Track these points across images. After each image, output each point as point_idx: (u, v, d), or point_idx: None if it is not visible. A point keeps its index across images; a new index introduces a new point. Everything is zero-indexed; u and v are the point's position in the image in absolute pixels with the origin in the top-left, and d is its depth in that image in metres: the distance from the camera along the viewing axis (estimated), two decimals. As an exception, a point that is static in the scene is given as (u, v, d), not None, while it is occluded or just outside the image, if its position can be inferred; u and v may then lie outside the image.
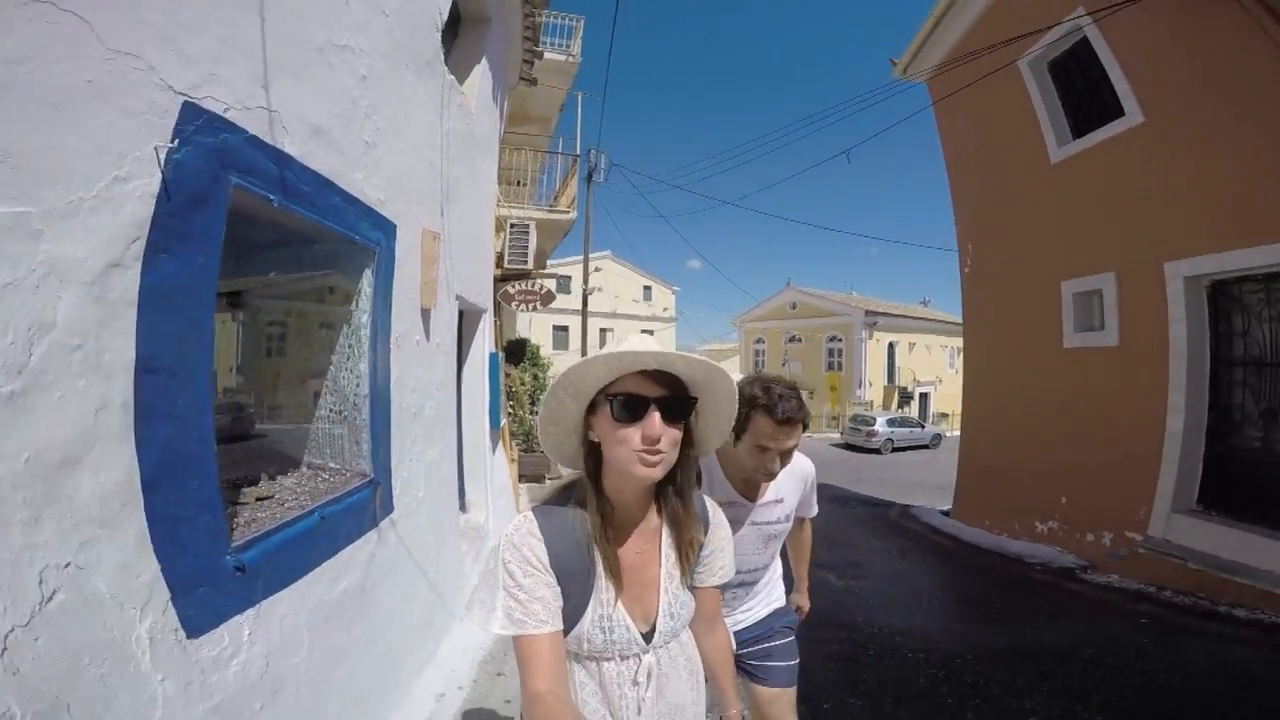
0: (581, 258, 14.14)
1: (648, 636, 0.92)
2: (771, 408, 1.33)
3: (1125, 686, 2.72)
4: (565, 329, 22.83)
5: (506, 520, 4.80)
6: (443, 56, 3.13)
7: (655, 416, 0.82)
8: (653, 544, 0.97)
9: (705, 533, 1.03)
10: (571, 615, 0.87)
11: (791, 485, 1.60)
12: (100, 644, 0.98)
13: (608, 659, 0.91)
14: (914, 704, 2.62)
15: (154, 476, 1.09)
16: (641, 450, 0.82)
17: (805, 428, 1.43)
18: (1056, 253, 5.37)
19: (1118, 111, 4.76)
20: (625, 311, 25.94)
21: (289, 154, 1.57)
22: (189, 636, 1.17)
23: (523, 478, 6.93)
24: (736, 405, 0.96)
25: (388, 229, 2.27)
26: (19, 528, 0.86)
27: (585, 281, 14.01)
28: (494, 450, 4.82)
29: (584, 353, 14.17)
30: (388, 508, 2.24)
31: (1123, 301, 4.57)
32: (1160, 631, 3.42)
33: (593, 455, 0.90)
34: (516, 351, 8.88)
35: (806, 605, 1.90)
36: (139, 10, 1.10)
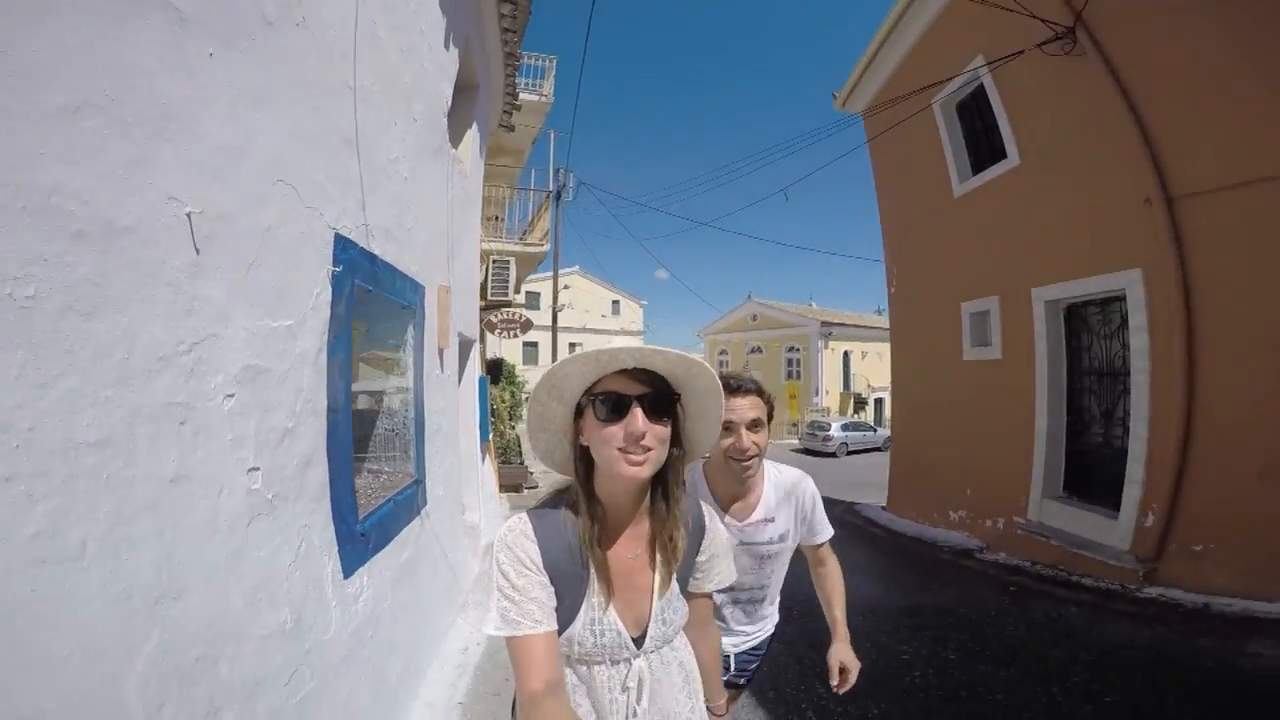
0: (551, 274, 14.80)
1: (639, 641, 0.93)
2: (723, 382, 1.32)
3: (980, 635, 3.59)
4: (535, 345, 23.32)
5: (495, 521, 5.48)
6: (448, 136, 3.88)
7: (638, 413, 0.84)
8: (645, 549, 0.97)
9: (702, 537, 1.04)
10: (564, 617, 0.89)
11: (782, 502, 1.51)
12: (315, 579, 1.69)
13: (598, 663, 0.92)
14: (820, 649, 3.46)
15: (331, 475, 1.80)
16: (626, 448, 0.85)
17: (769, 406, 1.43)
18: (958, 278, 6.41)
19: (1003, 154, 5.73)
20: (594, 326, 26.70)
21: (375, 254, 2.29)
22: (343, 578, 1.88)
23: (502, 487, 7.58)
24: (722, 401, 0.97)
25: (420, 291, 2.99)
26: (291, 503, 1.57)
27: (555, 299, 14.68)
28: (483, 460, 5.50)
29: (554, 368, 14.82)
30: (424, 501, 2.94)
31: (1004, 321, 5.62)
32: (1020, 595, 4.36)
33: (583, 459, 0.93)
34: (494, 371, 9.51)
35: (854, 663, 1.48)
36: (314, 172, 1.81)
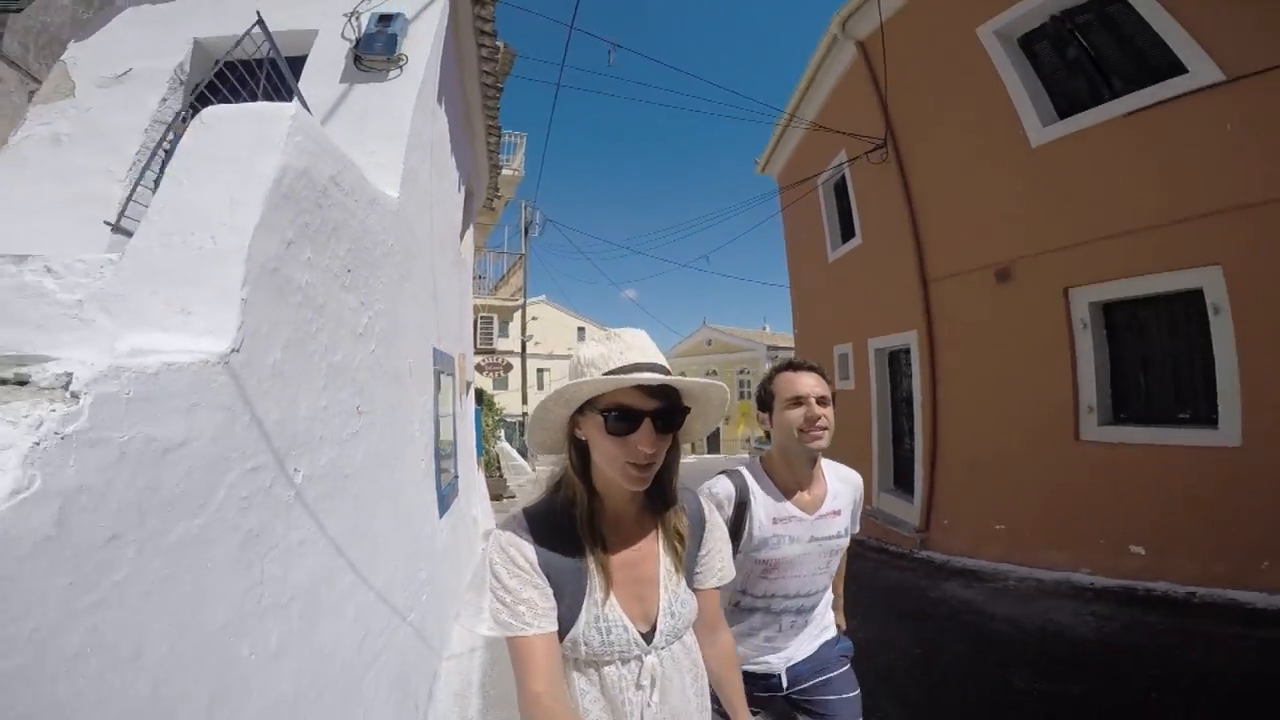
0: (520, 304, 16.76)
1: (648, 637, 0.92)
2: (790, 362, 1.45)
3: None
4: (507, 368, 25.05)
5: (489, 516, 7.36)
6: (459, 248, 5.89)
7: (649, 431, 0.84)
8: (650, 540, 0.97)
9: (703, 532, 1.05)
10: (566, 617, 0.88)
11: (846, 494, 1.54)
12: (431, 515, 3.65)
13: (608, 662, 0.90)
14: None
15: (433, 460, 3.78)
16: (632, 464, 0.84)
17: (833, 389, 1.45)
18: (831, 326, 8.72)
19: (855, 232, 8.10)
20: (561, 353, 28.58)
21: (442, 350, 4.29)
22: (438, 518, 3.83)
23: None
24: (726, 409, 0.97)
25: (453, 359, 4.97)
26: (427, 476, 3.55)
27: (524, 330, 16.62)
28: (478, 470, 7.43)
29: (523, 393, 16.69)
30: (456, 491, 4.88)
31: (855, 361, 7.92)
32: (852, 561, 6.49)
33: (579, 451, 0.92)
34: (477, 400, 11.42)
35: (842, 623, 1.75)
36: (425, 321, 3.81)
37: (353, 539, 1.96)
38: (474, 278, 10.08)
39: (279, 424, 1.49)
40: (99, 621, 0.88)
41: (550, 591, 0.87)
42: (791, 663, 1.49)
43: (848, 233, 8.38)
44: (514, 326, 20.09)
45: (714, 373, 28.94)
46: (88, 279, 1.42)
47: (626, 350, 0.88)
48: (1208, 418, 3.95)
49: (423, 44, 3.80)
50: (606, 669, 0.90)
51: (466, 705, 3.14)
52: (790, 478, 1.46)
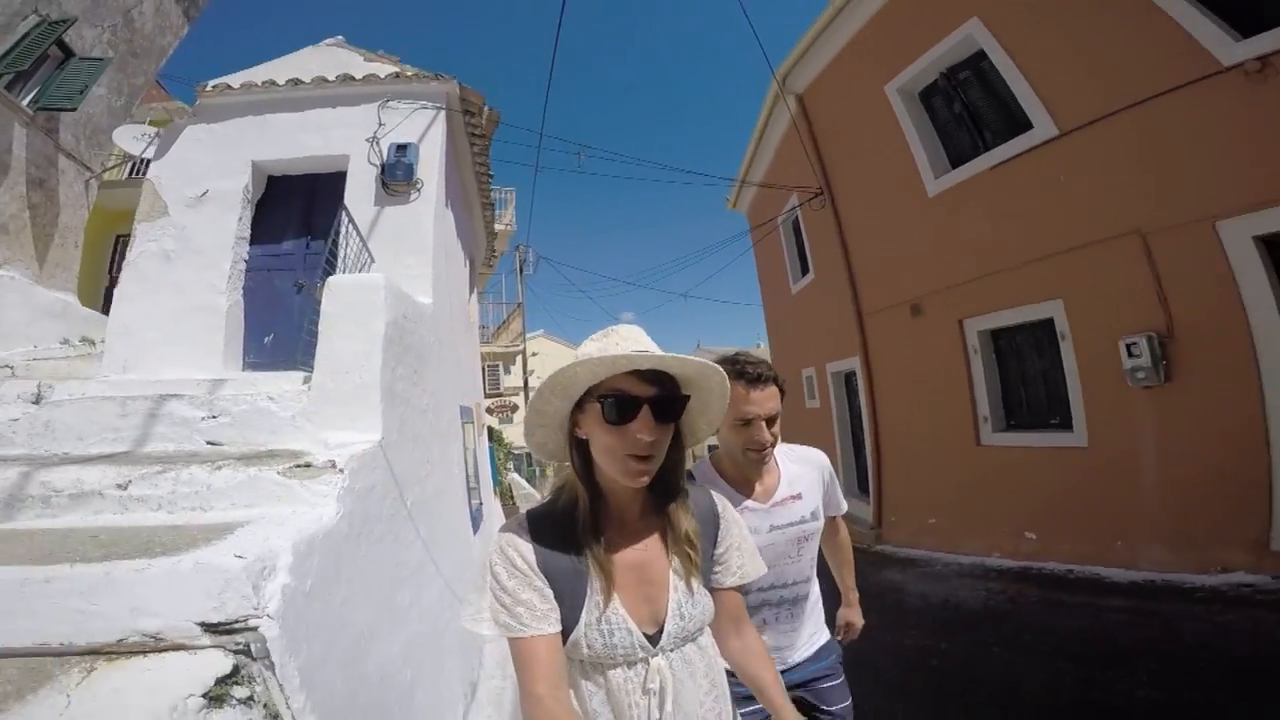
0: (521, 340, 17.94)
1: (654, 639, 0.90)
2: (741, 372, 1.34)
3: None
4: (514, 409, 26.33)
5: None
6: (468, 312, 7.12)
7: (648, 418, 0.84)
8: (657, 540, 0.96)
9: (717, 529, 1.03)
10: (568, 619, 0.87)
11: (807, 476, 1.53)
12: (465, 531, 4.79)
13: (613, 665, 0.89)
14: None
15: (466, 491, 4.92)
16: (631, 456, 0.85)
17: (782, 393, 1.42)
18: (797, 351, 9.89)
19: (809, 269, 9.33)
20: (558, 381, 29.79)
21: (465, 405, 5.46)
22: (471, 535, 4.96)
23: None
24: (728, 399, 0.96)
25: (471, 409, 6.14)
26: (464, 499, 4.70)
27: (525, 368, 17.80)
28: (494, 498, 8.56)
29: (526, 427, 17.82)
30: (483, 515, 6.00)
31: (819, 383, 9.07)
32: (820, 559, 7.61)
33: (580, 450, 0.91)
34: (490, 437, 12.57)
35: (859, 621, 1.75)
36: (452, 384, 4.99)
37: (432, 543, 3.11)
38: (483, 327, 11.33)
39: (399, 474, 2.66)
40: (358, 575, 2.04)
41: (549, 593, 0.87)
42: (784, 666, 1.44)
43: (804, 268, 9.60)
44: (515, 366, 21.28)
45: (711, 392, 30.03)
46: (293, 402, 2.60)
47: (621, 341, 0.88)
48: (1067, 424, 5.07)
49: (431, 164, 4.96)
50: (612, 672, 0.89)
51: (509, 663, 4.23)
52: (739, 474, 1.46)
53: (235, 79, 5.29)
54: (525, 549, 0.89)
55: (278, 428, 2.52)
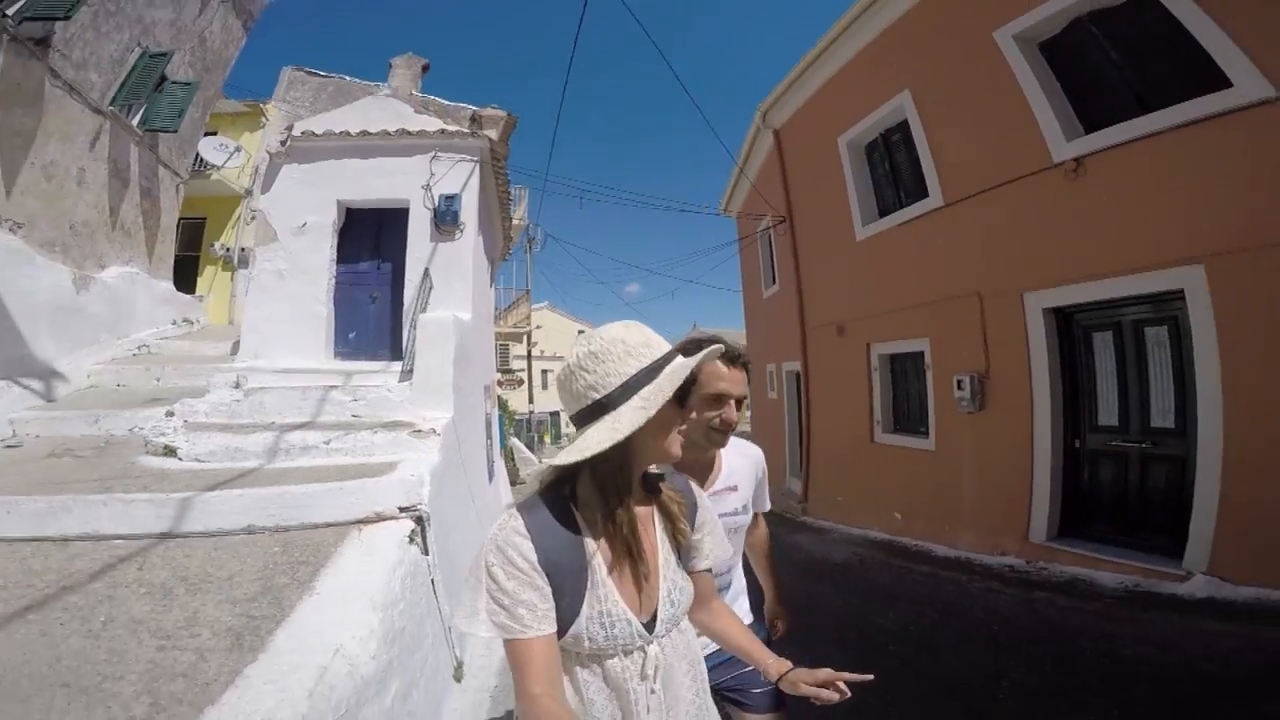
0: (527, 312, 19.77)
1: (649, 626, 0.95)
2: (724, 351, 1.33)
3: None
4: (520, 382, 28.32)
5: (507, 495, 10.47)
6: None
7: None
8: (649, 530, 1.02)
9: (694, 514, 1.10)
10: (567, 613, 0.90)
11: (745, 469, 1.57)
12: (483, 477, 6.75)
13: (610, 655, 0.93)
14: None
15: (488, 449, 6.86)
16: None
17: (748, 379, 1.50)
18: (765, 348, 11.72)
19: (774, 280, 11.12)
20: (563, 354, 31.66)
21: (486, 384, 7.35)
22: (487, 482, 6.93)
23: (503, 478, 12.62)
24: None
25: (490, 385, 8.04)
26: (485, 453, 6.66)
27: (528, 342, 19.66)
28: (500, 456, 10.58)
29: (530, 394, 19.81)
30: (494, 471, 7.96)
31: (776, 378, 10.94)
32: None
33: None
34: (499, 406, 14.54)
35: (785, 617, 1.81)
36: (478, 376, 6.88)
37: (473, 484, 5.04)
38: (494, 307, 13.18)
39: (459, 438, 4.57)
40: (446, 492, 3.96)
41: (549, 591, 0.89)
42: (707, 650, 1.37)
43: (773, 279, 11.37)
44: (522, 344, 23.09)
45: (704, 371, 31.88)
46: (401, 390, 4.49)
47: (652, 338, 0.96)
48: (926, 432, 6.93)
49: (470, 210, 6.76)
50: (610, 661, 0.93)
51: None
52: (690, 459, 1.37)
53: (318, 125, 7.01)
54: (525, 547, 0.89)
55: (393, 409, 4.42)
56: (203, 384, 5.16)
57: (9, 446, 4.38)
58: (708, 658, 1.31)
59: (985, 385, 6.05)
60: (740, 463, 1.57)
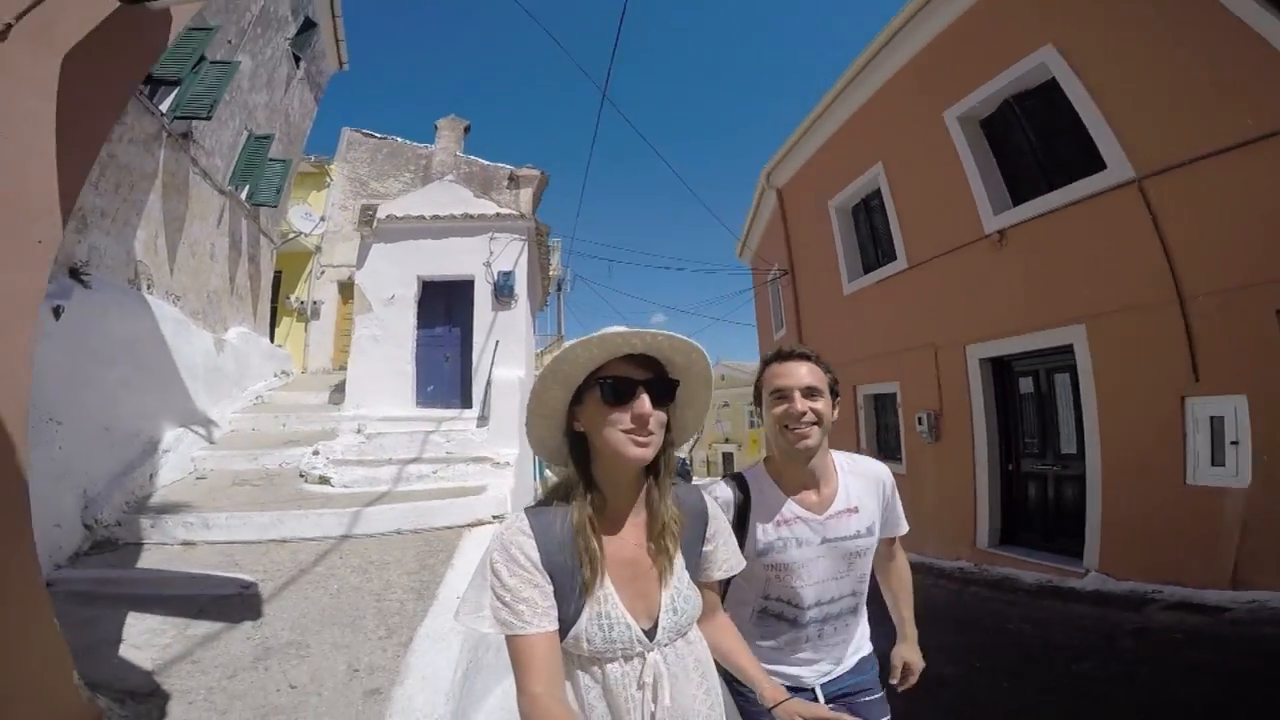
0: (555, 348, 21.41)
1: (650, 633, 0.95)
2: (769, 357, 1.40)
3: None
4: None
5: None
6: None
7: (645, 397, 0.92)
8: (652, 537, 1.01)
9: (705, 526, 1.10)
10: (569, 615, 0.91)
11: (865, 489, 1.47)
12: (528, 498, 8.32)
13: (610, 660, 0.93)
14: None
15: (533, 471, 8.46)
16: (633, 431, 0.91)
17: (831, 377, 1.41)
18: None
19: (781, 323, 12.63)
20: (585, 382, 33.32)
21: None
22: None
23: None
24: (712, 389, 1.04)
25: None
26: (510, 470, 8.26)
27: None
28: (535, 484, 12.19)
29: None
30: (537, 495, 9.52)
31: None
32: None
33: (578, 446, 0.98)
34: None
35: (918, 661, 1.55)
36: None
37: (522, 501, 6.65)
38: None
39: (514, 462, 6.18)
40: (517, 507, 5.55)
41: (551, 590, 0.90)
42: (827, 678, 1.41)
43: (780, 323, 12.86)
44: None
45: (727, 405, 33.24)
46: (480, 433, 6.14)
47: (605, 332, 0.94)
48: (900, 458, 8.29)
49: (521, 282, 8.47)
50: (609, 666, 0.93)
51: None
52: (793, 477, 1.41)
53: (398, 209, 8.79)
54: (528, 546, 0.91)
55: (476, 447, 6.06)
56: (318, 428, 6.87)
57: (199, 478, 6.10)
58: (828, 684, 1.38)
59: (940, 420, 7.44)
60: (859, 482, 1.47)
